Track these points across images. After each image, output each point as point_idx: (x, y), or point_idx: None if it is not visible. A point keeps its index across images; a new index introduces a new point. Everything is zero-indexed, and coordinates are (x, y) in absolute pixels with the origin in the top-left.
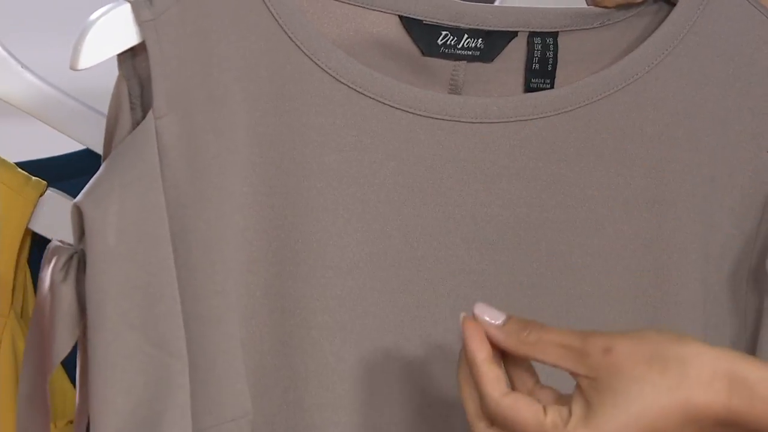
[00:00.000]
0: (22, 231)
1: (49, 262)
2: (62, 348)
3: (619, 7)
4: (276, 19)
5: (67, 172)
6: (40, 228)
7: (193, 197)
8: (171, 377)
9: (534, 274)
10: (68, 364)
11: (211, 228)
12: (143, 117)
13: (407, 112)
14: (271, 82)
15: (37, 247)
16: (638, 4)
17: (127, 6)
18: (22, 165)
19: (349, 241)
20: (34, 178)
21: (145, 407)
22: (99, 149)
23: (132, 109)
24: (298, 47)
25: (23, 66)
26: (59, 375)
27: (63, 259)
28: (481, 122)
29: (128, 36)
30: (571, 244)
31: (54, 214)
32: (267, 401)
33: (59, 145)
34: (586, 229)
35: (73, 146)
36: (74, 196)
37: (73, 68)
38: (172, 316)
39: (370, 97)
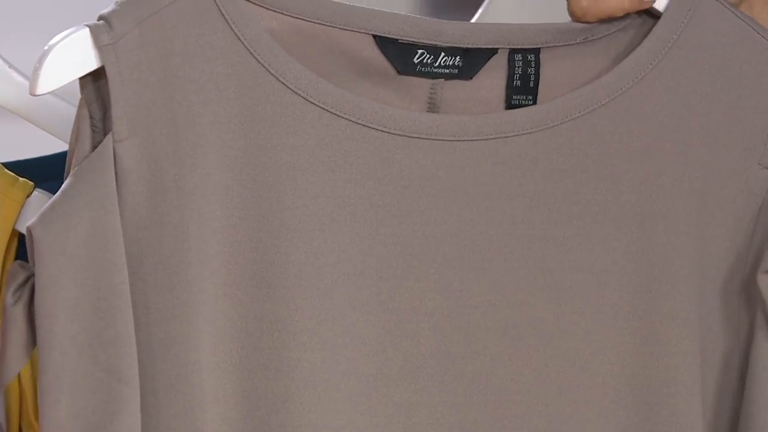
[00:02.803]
0: (8, 232)
1: (8, 283)
2: (11, 370)
3: (602, 21)
4: (242, 41)
5: (54, 173)
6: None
7: (152, 220)
8: (120, 402)
9: (521, 292)
10: None
11: (171, 251)
12: None
13: (381, 131)
14: (239, 104)
15: (24, 248)
16: (621, 19)
17: (86, 30)
18: (9, 165)
19: (325, 262)
20: (21, 178)
21: None
22: None
23: (94, 132)
24: (266, 69)
25: (10, 66)
26: None
27: (17, 281)
28: (458, 140)
29: (87, 60)
30: (559, 260)
31: None
32: (249, 425)
33: (46, 145)
34: (575, 246)
35: (59, 146)
36: None
37: (31, 93)
38: (124, 341)
39: (343, 117)
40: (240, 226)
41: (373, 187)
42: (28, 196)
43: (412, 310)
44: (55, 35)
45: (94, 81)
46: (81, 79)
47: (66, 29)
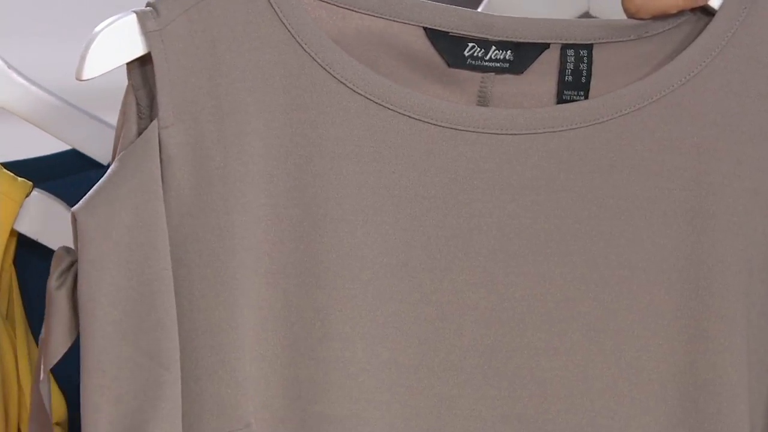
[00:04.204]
0: (8, 231)
1: (53, 267)
2: (55, 354)
3: (656, 18)
4: (288, 30)
5: (54, 173)
6: (26, 229)
7: (197, 207)
8: (161, 388)
9: (567, 287)
10: (55, 366)
11: (216, 238)
12: None
13: (428, 123)
14: (285, 92)
15: (23, 247)
16: (675, 16)
17: (133, 16)
18: (8, 165)
19: (369, 252)
20: (20, 178)
21: (133, 416)
22: (85, 149)
23: (140, 118)
24: (312, 58)
25: (10, 67)
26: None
27: (62, 266)
28: (506, 133)
29: (134, 46)
30: (606, 256)
31: (40, 215)
32: (290, 414)
33: (45, 145)
34: (622, 242)
35: (59, 147)
36: (60, 197)
37: (78, 78)
38: (165, 326)
39: (389, 108)
40: (284, 215)
41: (418, 179)
42: (27, 196)
43: (455, 302)
44: (44, 37)
45: (141, 67)
46: (128, 65)
47: (55, 30)
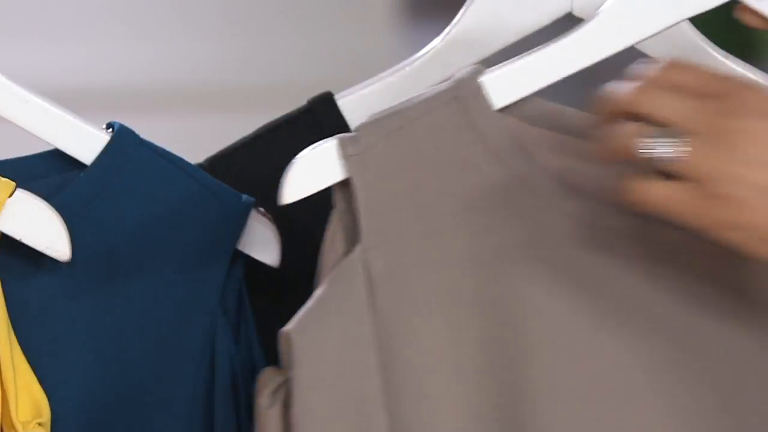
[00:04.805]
0: None
1: (262, 387)
2: None
3: None
4: (493, 153)
5: (35, 173)
6: (8, 229)
7: (400, 329)
8: None
9: None
10: (38, 366)
11: (420, 360)
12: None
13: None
14: (490, 216)
15: (5, 248)
16: None
17: (334, 141)
18: None
19: (566, 404)
20: (2, 178)
21: None
22: (67, 149)
23: (346, 240)
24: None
25: None
26: (28, 377)
27: (272, 385)
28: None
29: (333, 171)
30: None
31: (23, 215)
32: None
33: (28, 145)
34: None
35: (42, 147)
36: (43, 197)
37: (279, 203)
38: None
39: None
40: (490, 341)
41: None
42: (9, 196)
43: None
44: (55, 37)
45: (344, 191)
46: (335, 189)
47: (65, 31)
